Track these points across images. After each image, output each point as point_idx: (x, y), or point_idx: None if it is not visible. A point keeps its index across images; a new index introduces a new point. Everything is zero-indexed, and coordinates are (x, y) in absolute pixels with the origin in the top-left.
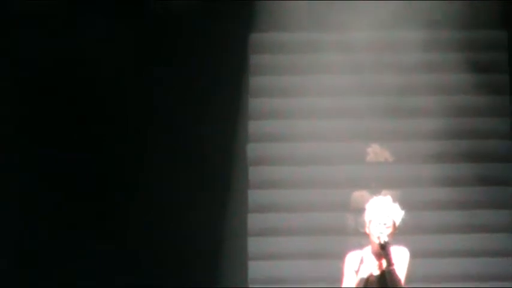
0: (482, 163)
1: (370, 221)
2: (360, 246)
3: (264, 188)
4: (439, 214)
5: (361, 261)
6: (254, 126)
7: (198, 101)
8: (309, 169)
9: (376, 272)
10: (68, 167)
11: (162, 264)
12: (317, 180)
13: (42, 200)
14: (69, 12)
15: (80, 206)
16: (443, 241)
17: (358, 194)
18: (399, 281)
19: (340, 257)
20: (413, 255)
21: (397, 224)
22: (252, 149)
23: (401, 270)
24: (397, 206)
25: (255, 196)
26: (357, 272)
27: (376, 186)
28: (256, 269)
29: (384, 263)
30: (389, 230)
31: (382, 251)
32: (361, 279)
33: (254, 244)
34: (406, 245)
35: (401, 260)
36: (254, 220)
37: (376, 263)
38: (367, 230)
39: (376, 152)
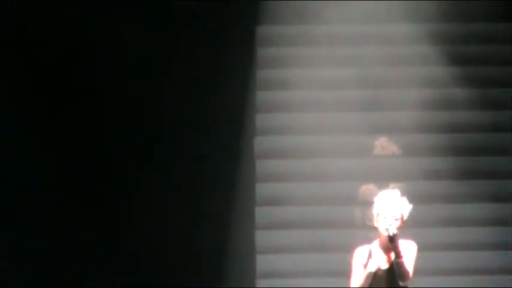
0: (492, 156)
1: (378, 214)
2: (368, 239)
3: (271, 182)
4: (447, 207)
5: (370, 256)
6: (261, 120)
7: (205, 94)
8: (316, 162)
9: (385, 266)
10: (68, 167)
11: (162, 264)
12: (325, 174)
13: (42, 200)
14: (69, 12)
15: (80, 206)
16: (451, 234)
17: (365, 187)
18: (407, 273)
19: (348, 250)
20: (421, 248)
21: (405, 217)
22: (260, 142)
23: (409, 263)
24: (405, 199)
25: (262, 189)
26: (365, 266)
27: (383, 180)
28: (264, 262)
29: (392, 256)
30: (398, 223)
31: (391, 243)
32: (370, 273)
33: (262, 237)
34: (414, 238)
35: (409, 253)
36: (262, 213)
37: (384, 256)
38: (375, 224)
39: (383, 145)
